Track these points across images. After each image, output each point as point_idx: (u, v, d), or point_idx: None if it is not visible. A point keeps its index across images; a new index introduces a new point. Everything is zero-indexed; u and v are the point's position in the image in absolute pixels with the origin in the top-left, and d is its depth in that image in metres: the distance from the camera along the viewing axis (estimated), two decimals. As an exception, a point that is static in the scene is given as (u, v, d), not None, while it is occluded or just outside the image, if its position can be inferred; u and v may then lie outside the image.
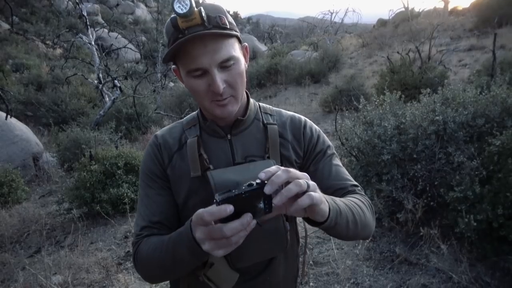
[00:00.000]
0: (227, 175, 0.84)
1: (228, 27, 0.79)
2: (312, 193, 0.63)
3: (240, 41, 0.85)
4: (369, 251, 2.76)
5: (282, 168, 0.62)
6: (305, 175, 0.65)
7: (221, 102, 0.82)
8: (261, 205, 0.60)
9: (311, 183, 0.65)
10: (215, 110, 0.84)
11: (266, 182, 0.59)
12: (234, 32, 0.80)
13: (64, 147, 5.93)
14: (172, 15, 0.76)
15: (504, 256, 2.22)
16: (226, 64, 0.79)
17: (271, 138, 0.91)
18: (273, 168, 0.62)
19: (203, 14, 0.75)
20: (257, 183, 0.59)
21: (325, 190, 0.85)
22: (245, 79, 0.86)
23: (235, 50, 0.82)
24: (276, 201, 0.59)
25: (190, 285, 0.99)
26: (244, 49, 0.87)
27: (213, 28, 0.77)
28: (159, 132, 0.98)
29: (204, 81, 0.80)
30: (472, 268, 2.30)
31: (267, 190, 0.58)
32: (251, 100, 0.95)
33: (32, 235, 3.95)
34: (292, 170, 0.62)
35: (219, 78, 0.78)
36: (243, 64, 0.84)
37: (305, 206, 0.62)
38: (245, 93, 0.92)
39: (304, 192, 0.62)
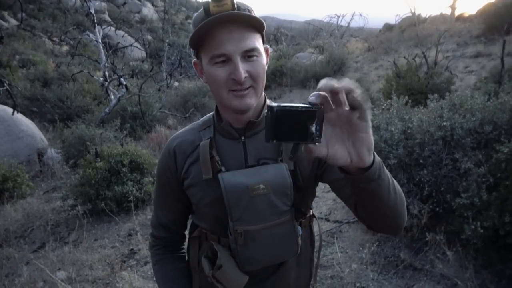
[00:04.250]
0: (238, 177, 0.84)
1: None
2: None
3: (263, 41, 0.85)
4: (374, 256, 2.76)
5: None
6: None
7: (239, 93, 0.81)
8: (313, 128, 0.56)
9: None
10: (232, 101, 0.82)
11: (322, 106, 0.55)
12: (261, 20, 0.79)
13: (69, 144, 5.94)
14: (205, 1, 0.77)
15: (510, 264, 2.22)
16: (249, 54, 0.79)
17: None
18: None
19: (235, 1, 0.77)
20: (313, 105, 0.55)
21: (344, 186, 0.85)
22: (265, 77, 0.85)
23: (259, 44, 0.82)
24: (349, 99, 0.55)
25: (202, 286, 1.00)
26: (266, 51, 0.87)
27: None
28: (176, 134, 0.99)
29: (225, 69, 0.79)
30: (478, 275, 2.29)
31: (327, 87, 0.55)
32: (268, 102, 0.94)
33: (36, 231, 3.97)
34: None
35: (241, 67, 0.78)
36: (265, 60, 0.84)
37: (358, 106, 0.56)
38: (263, 94, 0.91)
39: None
